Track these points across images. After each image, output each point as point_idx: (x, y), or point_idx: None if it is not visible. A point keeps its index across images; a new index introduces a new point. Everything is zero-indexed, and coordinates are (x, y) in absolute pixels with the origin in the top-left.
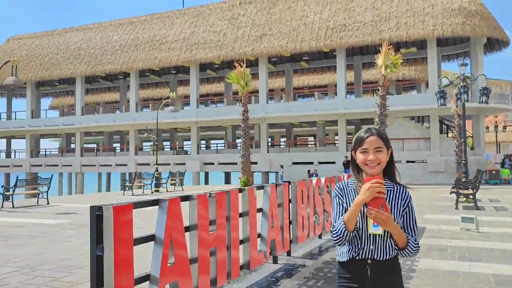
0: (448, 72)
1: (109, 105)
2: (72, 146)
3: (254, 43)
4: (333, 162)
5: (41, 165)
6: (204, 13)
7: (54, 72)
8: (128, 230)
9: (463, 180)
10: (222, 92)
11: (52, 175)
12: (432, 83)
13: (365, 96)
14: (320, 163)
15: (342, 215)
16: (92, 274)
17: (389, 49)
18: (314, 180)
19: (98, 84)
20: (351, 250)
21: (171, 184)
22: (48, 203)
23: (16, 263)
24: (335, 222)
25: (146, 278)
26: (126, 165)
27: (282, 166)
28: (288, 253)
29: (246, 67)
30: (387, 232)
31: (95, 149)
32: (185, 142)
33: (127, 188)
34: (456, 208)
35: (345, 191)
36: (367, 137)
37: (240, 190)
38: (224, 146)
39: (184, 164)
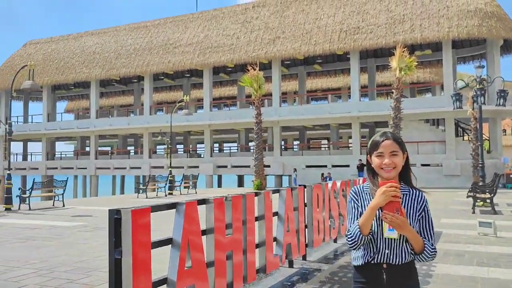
0: (464, 75)
1: (123, 109)
2: (87, 149)
3: (267, 46)
4: (347, 166)
5: (56, 168)
6: (218, 16)
7: (70, 75)
8: (146, 234)
9: (480, 184)
10: (235, 95)
11: (67, 178)
12: (447, 85)
13: (379, 99)
14: (333, 166)
15: (357, 219)
16: (111, 277)
17: (403, 51)
18: (330, 184)
19: (113, 88)
20: (367, 255)
21: (185, 187)
22: (63, 206)
23: (33, 265)
24: (350, 226)
25: (163, 281)
26: (140, 168)
27: (295, 170)
28: (304, 257)
29: (259, 70)
30: (403, 236)
31: (110, 152)
32: (198, 145)
33: (141, 191)
34: (473, 212)
35: (361, 195)
36: (383, 141)
37: (256, 194)
38: (237, 149)
39: (198, 167)
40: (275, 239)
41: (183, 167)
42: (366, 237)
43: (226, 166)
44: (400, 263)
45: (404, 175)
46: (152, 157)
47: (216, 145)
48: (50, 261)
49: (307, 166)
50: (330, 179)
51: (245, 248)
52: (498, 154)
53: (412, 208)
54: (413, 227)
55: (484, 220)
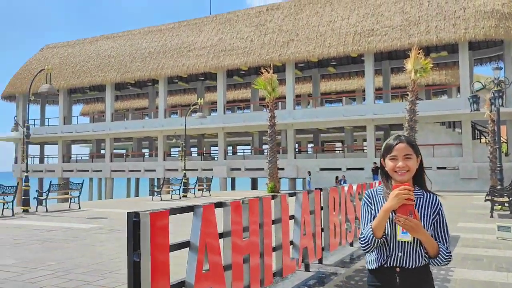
0: (480, 76)
1: (138, 112)
2: (102, 151)
3: (281, 49)
4: (362, 169)
5: (72, 170)
6: (231, 19)
7: (85, 79)
8: (165, 236)
9: (498, 187)
10: (249, 98)
11: (83, 180)
12: (464, 87)
13: (394, 101)
14: (348, 169)
15: (370, 222)
16: (129, 280)
17: (418, 53)
18: (346, 187)
19: (128, 91)
20: (380, 258)
21: (199, 190)
22: (79, 208)
23: (50, 266)
24: (363, 229)
25: (181, 284)
26: (154, 170)
27: (309, 173)
28: (320, 261)
29: (273, 73)
30: (417, 239)
31: (125, 154)
32: (212, 148)
33: (155, 194)
34: (491, 216)
35: (374, 198)
36: (396, 144)
37: (273, 197)
38: (251, 152)
39: (211, 169)
40: (291, 243)
41: (197, 170)
42: (379, 240)
43: (240, 169)
44: (413, 266)
45: (418, 179)
46: (166, 159)
47: (230, 147)
48: (67, 263)
49: (321, 169)
50: (345, 182)
51: (262, 252)
52: None
53: (426, 211)
54: (427, 230)
55: (503, 224)
